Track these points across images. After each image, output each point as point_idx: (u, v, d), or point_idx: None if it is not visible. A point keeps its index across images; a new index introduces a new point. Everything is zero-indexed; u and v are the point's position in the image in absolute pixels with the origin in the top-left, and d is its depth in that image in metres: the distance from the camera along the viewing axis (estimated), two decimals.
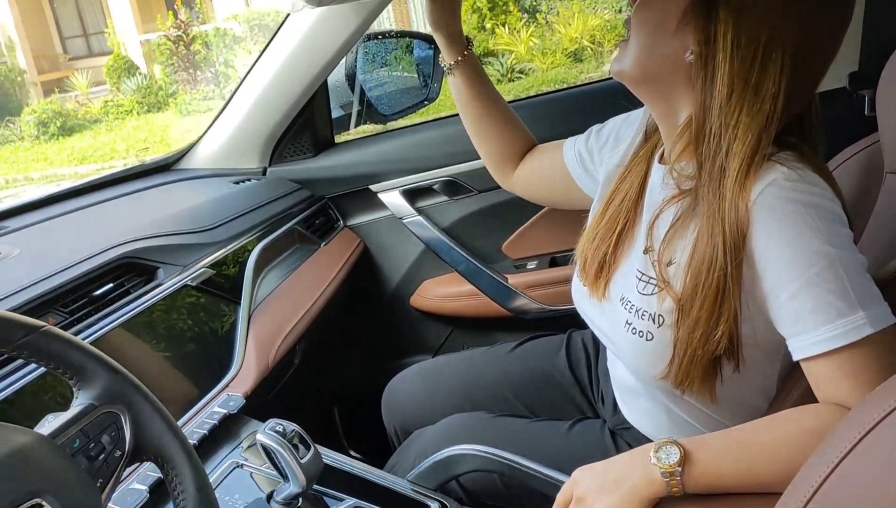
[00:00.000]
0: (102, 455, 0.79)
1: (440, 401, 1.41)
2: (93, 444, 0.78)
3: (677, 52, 0.93)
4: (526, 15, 11.12)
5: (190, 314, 1.35)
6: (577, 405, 1.37)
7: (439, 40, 1.34)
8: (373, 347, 2.05)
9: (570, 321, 1.72)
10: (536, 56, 10.16)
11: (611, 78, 1.09)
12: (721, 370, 0.95)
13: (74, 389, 0.81)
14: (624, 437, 1.21)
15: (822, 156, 1.10)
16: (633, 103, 1.12)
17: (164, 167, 1.91)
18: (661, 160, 1.05)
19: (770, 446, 0.83)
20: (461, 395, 1.41)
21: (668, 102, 0.99)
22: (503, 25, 10.71)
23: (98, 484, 0.77)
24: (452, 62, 1.34)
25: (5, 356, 1.03)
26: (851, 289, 0.82)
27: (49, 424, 0.78)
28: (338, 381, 2.00)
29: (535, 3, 11.53)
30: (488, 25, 10.89)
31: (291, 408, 1.62)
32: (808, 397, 0.90)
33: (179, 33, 12.27)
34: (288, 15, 1.72)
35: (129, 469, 0.87)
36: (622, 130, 1.22)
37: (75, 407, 0.80)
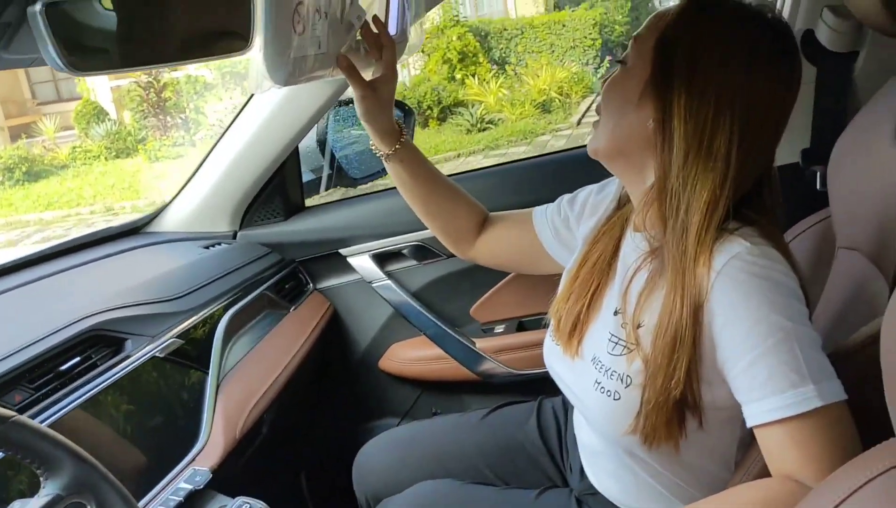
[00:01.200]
0: None
1: (412, 470, 1.41)
2: None
3: (641, 121, 1.01)
4: (495, 66, 11.34)
5: (157, 386, 1.35)
6: (546, 473, 1.38)
7: (371, 133, 1.31)
8: (341, 411, 2.04)
9: (539, 385, 1.75)
10: (506, 106, 10.32)
11: (581, 147, 1.14)
12: (685, 426, 0.99)
13: (42, 478, 0.81)
14: (590, 503, 1.22)
15: (780, 229, 1.15)
16: (601, 173, 1.17)
17: (133, 230, 1.91)
18: (634, 228, 1.10)
19: None
20: (433, 463, 1.42)
21: (639, 171, 1.05)
22: (473, 76, 10.89)
23: None
24: (386, 153, 1.33)
25: None
26: (804, 363, 0.86)
27: None
28: (305, 447, 1.99)
29: (504, 56, 11.76)
30: (458, 76, 11.06)
31: (259, 479, 1.60)
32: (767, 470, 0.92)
33: (150, 80, 12.28)
34: None
35: None
36: (597, 199, 1.27)
37: (42, 497, 0.80)
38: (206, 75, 12.72)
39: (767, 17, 0.99)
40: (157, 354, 1.35)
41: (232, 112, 11.22)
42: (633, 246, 1.08)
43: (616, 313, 1.05)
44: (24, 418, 0.80)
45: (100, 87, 14.05)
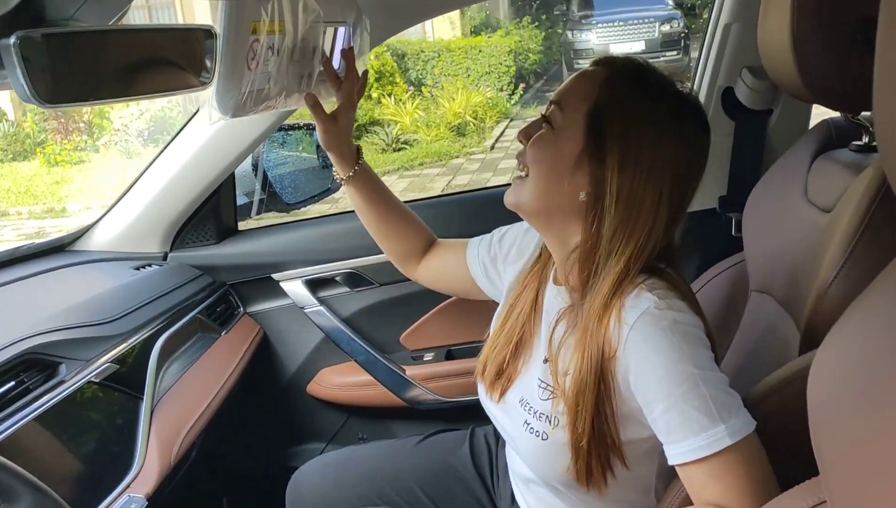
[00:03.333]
0: None
1: (347, 493, 1.44)
2: None
3: (573, 192, 1.06)
4: (412, 87, 11.37)
5: (92, 412, 1.33)
6: (477, 498, 1.43)
7: (332, 158, 1.40)
8: (267, 435, 2.04)
9: (467, 413, 1.80)
10: (421, 128, 10.36)
11: None
12: (610, 465, 1.06)
13: None
14: None
15: (693, 272, 1.25)
16: None
17: (58, 248, 1.86)
18: (555, 281, 1.17)
19: None
20: (368, 486, 1.44)
21: (561, 233, 1.11)
22: (389, 96, 10.91)
23: None
24: (345, 177, 1.40)
25: None
26: (713, 405, 0.94)
27: None
28: (229, 472, 1.98)
29: (420, 77, 11.83)
30: (374, 95, 11.06)
31: (184, 504, 1.59)
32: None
33: None
34: (205, 102, 1.75)
35: None
36: (524, 242, 1.32)
37: None
38: None
39: (687, 94, 1.08)
40: (92, 379, 1.34)
41: (138, 118, 10.79)
42: (554, 298, 1.15)
43: (546, 360, 1.11)
44: None
45: None
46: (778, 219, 1.31)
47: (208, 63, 1.02)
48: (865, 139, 1.23)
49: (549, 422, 1.08)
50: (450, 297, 1.92)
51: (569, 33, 12.55)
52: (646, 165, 1.01)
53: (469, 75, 11.61)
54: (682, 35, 12.07)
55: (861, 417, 0.58)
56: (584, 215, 1.06)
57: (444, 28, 13.51)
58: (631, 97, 1.04)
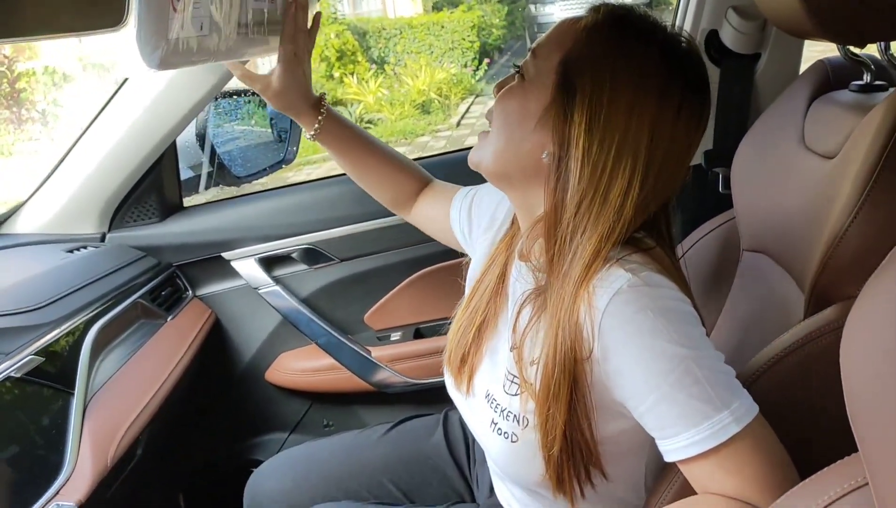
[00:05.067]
0: None
1: (310, 491, 1.32)
2: None
3: (535, 150, 0.92)
4: (374, 66, 11.23)
5: (13, 411, 1.18)
6: (453, 487, 1.33)
7: (294, 118, 1.27)
8: (224, 426, 1.91)
9: (438, 395, 1.67)
10: (385, 107, 10.23)
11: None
12: (590, 477, 0.93)
13: None
14: None
15: (678, 235, 1.12)
16: None
17: None
18: (520, 256, 1.02)
19: None
20: (333, 484, 1.33)
21: (525, 198, 0.98)
22: (352, 75, 10.73)
23: None
24: (312, 133, 1.27)
25: None
26: (712, 389, 0.81)
27: None
28: (184, 466, 1.84)
29: (383, 55, 11.68)
30: (337, 74, 10.88)
31: (131, 504, 1.45)
32: (685, 492, 0.89)
33: (3, 69, 11.40)
34: None
35: None
36: (497, 211, 1.19)
37: None
38: (66, 67, 11.95)
39: (681, 45, 0.92)
40: (12, 374, 1.18)
41: (96, 108, 10.70)
42: (519, 276, 1.01)
43: (513, 348, 0.96)
44: None
45: None
46: (771, 170, 1.20)
47: (126, 1, 0.89)
48: (868, 78, 1.12)
49: (518, 422, 0.94)
50: (415, 272, 1.80)
51: (532, 7, 12.43)
52: (619, 129, 0.86)
53: (432, 52, 11.50)
54: (646, 5, 12.01)
55: None
56: (546, 178, 0.92)
57: (405, 5, 13.36)
58: (608, 48, 0.89)
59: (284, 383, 1.86)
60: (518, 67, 0.97)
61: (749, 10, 1.53)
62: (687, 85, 0.90)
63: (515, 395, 0.94)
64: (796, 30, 0.98)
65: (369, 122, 10.04)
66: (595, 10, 0.94)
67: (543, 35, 0.97)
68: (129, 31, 0.94)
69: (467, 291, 1.12)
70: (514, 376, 0.95)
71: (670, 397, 0.81)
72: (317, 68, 11.05)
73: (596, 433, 0.90)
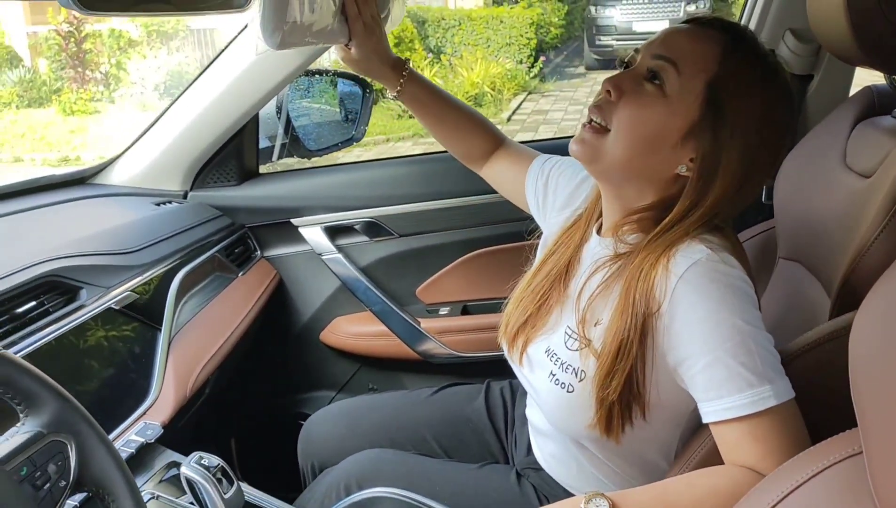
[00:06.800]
0: (47, 485, 0.78)
1: (359, 439, 1.43)
2: (39, 473, 0.78)
3: (671, 162, 1.02)
4: (431, 55, 11.30)
5: (111, 338, 1.33)
6: (489, 449, 1.43)
7: (378, 80, 1.37)
8: (277, 380, 2.04)
9: (479, 369, 1.80)
10: None
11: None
12: (631, 422, 1.03)
13: (21, 415, 0.80)
14: (530, 479, 1.27)
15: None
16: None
17: (79, 180, 1.85)
18: (601, 233, 1.13)
19: (688, 503, 0.92)
20: (380, 433, 1.44)
21: (625, 191, 1.07)
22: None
23: None
24: (395, 92, 1.37)
25: None
26: (761, 364, 0.92)
27: None
28: (238, 413, 1.98)
29: (440, 45, 11.75)
30: None
31: (194, 440, 1.60)
32: (710, 460, 0.99)
33: (71, 29, 11.70)
34: (230, 42, 1.73)
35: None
36: (576, 195, 1.28)
37: (23, 434, 0.79)
38: (132, 31, 12.22)
39: (785, 73, 1.04)
40: (112, 306, 1.34)
41: (155, 71, 10.73)
42: (597, 249, 1.11)
43: (578, 310, 1.07)
44: (8, 352, 0.79)
45: (15, 31, 13.30)
46: (813, 185, 1.29)
47: None
48: None
49: (576, 375, 1.05)
50: (467, 253, 1.91)
51: (592, 8, 12.39)
52: (755, 148, 0.99)
53: (489, 46, 11.53)
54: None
55: None
56: (668, 185, 1.03)
57: None
58: (749, 70, 0.99)
59: (337, 344, 1.98)
60: (627, 64, 1.05)
61: (805, 34, 1.62)
62: (789, 104, 1.04)
63: (576, 351, 1.06)
64: (847, 56, 1.07)
65: None
66: (720, 26, 1.03)
67: (673, 42, 1.02)
68: (252, 13, 1.07)
69: (535, 263, 1.23)
70: (576, 333, 1.06)
71: (723, 361, 0.92)
72: None
73: (649, 386, 1.01)
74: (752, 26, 1.69)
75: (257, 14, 1.04)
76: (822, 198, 1.25)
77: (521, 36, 11.49)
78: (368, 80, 1.90)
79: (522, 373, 1.19)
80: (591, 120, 1.05)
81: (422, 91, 1.39)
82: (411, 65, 1.37)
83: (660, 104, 1.00)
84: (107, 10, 0.87)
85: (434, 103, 1.41)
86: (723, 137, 0.98)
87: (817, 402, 1.03)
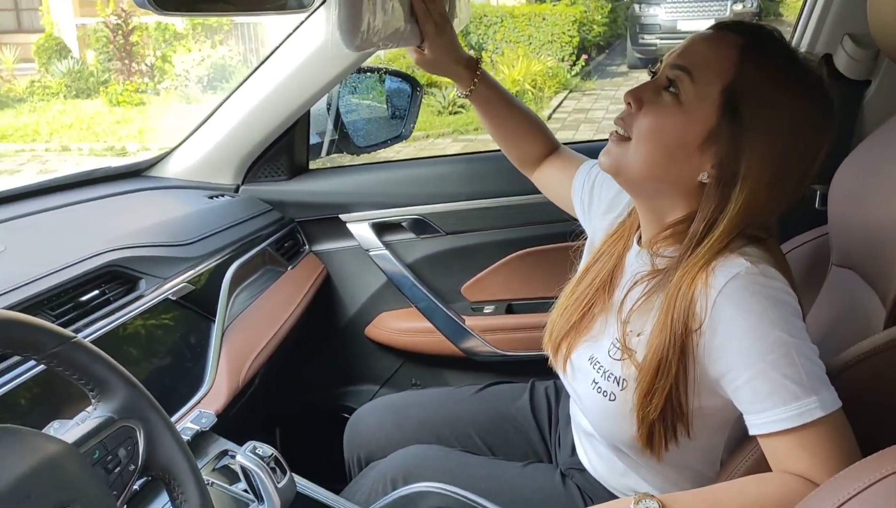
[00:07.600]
0: (118, 469, 0.81)
1: (405, 434, 1.46)
2: (110, 456, 0.81)
3: (691, 171, 1.01)
4: (472, 51, 11.29)
5: (168, 328, 1.37)
6: (533, 447, 1.44)
7: (450, 79, 1.38)
8: (322, 373, 2.08)
9: (522, 368, 1.81)
10: None
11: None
12: (675, 434, 1.04)
13: (94, 401, 0.84)
14: (574, 479, 1.29)
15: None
16: None
17: (134, 172, 1.90)
18: (641, 245, 1.14)
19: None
20: (426, 429, 1.46)
21: (660, 207, 1.08)
22: None
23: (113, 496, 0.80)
24: (466, 92, 1.38)
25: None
26: (805, 375, 0.91)
27: (71, 433, 0.80)
28: (284, 404, 2.02)
29: (481, 42, 11.74)
30: None
31: (241, 430, 1.63)
32: (758, 468, 0.99)
33: (119, 21, 11.92)
34: (285, 39, 1.75)
35: None
36: (617, 200, 1.28)
37: (95, 418, 0.82)
38: (177, 24, 12.41)
39: (814, 70, 1.01)
40: (170, 296, 1.37)
41: (199, 64, 10.87)
42: (638, 261, 1.11)
43: (621, 321, 1.08)
44: (84, 340, 0.82)
45: (64, 23, 13.60)
46: (870, 191, 1.28)
47: None
48: None
49: (618, 384, 1.06)
50: (513, 252, 1.92)
51: (636, 6, 12.27)
52: (782, 155, 0.97)
53: (531, 43, 11.49)
54: (755, 17, 11.73)
55: None
56: (695, 194, 1.02)
57: None
58: (770, 73, 0.97)
59: (381, 339, 2.01)
60: (654, 72, 1.05)
61: (864, 39, 1.59)
62: (823, 108, 1.01)
63: (618, 360, 1.06)
64: None
65: (461, 106, 10.14)
66: (740, 30, 1.01)
67: (690, 50, 1.02)
68: (321, 13, 1.08)
69: (580, 269, 1.24)
70: (619, 343, 1.07)
71: (766, 374, 0.92)
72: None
73: (688, 402, 1.01)
74: (810, 31, 1.67)
75: (333, 15, 1.06)
76: (880, 205, 1.23)
77: (564, 34, 11.43)
78: (417, 77, 1.93)
79: (567, 380, 1.20)
80: (616, 131, 1.06)
81: (492, 92, 1.40)
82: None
83: (676, 113, 1.00)
84: (176, 10, 0.90)
85: (501, 105, 1.42)
86: (742, 143, 0.96)
87: (870, 412, 1.02)
